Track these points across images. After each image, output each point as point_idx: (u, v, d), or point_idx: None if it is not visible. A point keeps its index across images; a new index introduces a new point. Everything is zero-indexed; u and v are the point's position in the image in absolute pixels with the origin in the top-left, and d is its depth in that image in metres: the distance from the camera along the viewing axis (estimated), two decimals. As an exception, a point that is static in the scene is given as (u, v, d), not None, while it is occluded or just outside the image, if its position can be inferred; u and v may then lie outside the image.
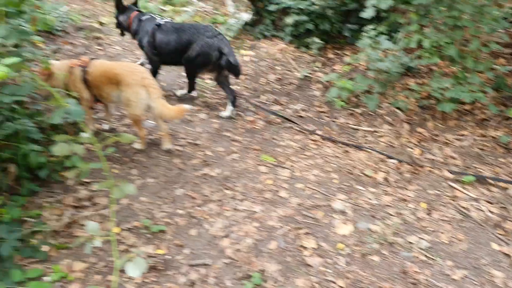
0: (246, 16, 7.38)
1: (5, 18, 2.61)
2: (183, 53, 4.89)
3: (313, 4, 6.45)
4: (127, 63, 4.30)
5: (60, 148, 2.64)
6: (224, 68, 4.86)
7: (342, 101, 5.27)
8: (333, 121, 5.10)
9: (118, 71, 3.97)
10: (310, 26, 6.40)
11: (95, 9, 8.12)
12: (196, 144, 4.50)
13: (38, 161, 3.49)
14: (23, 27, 2.84)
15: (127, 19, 5.23)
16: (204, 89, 5.72)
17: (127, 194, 2.91)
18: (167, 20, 5.08)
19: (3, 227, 2.92)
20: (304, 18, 6.40)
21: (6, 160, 3.47)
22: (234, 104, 5.02)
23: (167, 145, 4.31)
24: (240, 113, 5.20)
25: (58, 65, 4.09)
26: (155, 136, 4.54)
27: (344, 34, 6.62)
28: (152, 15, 5.14)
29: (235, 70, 4.86)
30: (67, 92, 3.47)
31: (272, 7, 6.78)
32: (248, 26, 7.30)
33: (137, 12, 5.23)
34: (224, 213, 3.54)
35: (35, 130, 3.77)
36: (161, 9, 9.12)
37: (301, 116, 5.20)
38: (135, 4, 5.46)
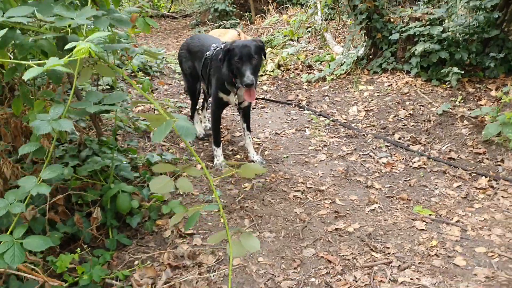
0: (358, 51, 6.45)
1: None
2: None
3: (446, 30, 5.38)
4: None
5: (158, 183, 1.76)
6: None
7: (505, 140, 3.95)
8: (498, 165, 3.80)
9: None
10: (444, 54, 5.26)
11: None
12: (320, 191, 3.48)
13: (130, 206, 2.68)
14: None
15: None
16: (320, 126, 4.75)
17: (247, 252, 2.00)
18: None
19: (77, 294, 2.06)
20: (436, 46, 5.29)
21: (91, 203, 2.71)
22: None
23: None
24: (370, 154, 4.12)
25: None
26: (267, 179, 3.61)
27: (485, 65, 5.38)
28: None
29: None
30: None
31: (394, 36, 5.77)
32: (363, 61, 6.34)
33: None
34: (379, 287, 2.39)
35: (127, 166, 3.01)
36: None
37: (452, 158, 3.97)
38: None
